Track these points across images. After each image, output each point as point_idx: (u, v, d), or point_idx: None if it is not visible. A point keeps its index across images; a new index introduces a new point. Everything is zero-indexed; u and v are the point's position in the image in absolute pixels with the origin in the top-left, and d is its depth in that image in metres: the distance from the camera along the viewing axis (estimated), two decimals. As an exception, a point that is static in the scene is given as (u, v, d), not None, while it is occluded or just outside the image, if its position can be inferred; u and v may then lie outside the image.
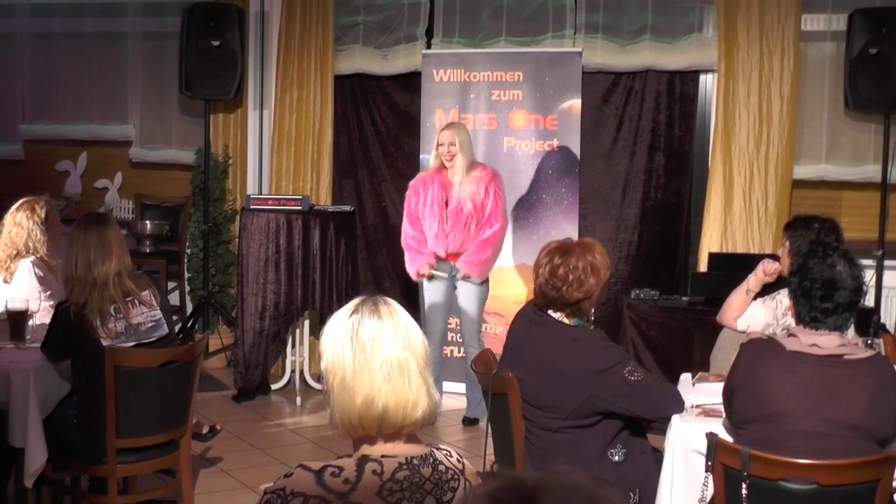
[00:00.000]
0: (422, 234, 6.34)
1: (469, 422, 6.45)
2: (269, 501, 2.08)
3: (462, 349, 6.68)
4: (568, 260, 3.65)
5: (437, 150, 6.34)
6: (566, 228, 6.79)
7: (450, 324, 6.85)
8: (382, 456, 2.15)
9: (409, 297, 6.59)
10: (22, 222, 5.00)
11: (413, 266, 6.38)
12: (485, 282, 6.40)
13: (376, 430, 2.16)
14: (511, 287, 7.02)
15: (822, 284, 3.26)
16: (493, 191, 6.28)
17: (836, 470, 3.01)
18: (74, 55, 8.72)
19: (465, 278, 6.27)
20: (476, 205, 6.24)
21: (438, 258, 6.34)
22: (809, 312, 3.28)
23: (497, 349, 4.24)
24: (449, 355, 7.01)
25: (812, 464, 3.00)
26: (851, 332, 3.87)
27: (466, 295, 6.35)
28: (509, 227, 6.89)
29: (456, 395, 6.64)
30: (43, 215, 5.06)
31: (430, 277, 6.34)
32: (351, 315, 2.20)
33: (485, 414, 6.44)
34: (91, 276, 4.12)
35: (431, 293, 6.39)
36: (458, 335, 6.74)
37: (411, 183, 6.48)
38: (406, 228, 6.43)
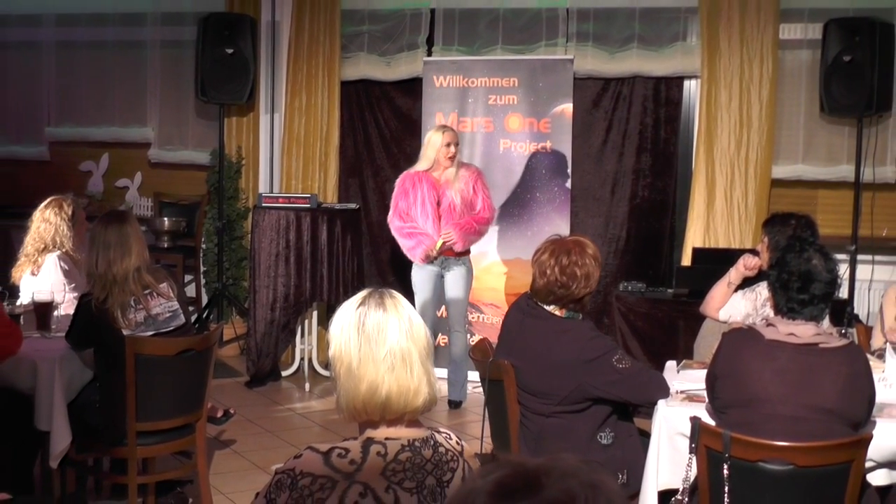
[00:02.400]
0: (416, 224, 6.27)
1: (452, 404, 6.45)
2: (279, 481, 2.07)
3: (446, 337, 6.67)
4: (574, 258, 3.63)
5: (436, 152, 6.22)
6: (559, 225, 6.79)
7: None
8: (386, 438, 2.15)
9: (412, 290, 6.58)
10: (50, 218, 5.00)
11: (419, 250, 6.24)
12: (471, 270, 6.40)
13: (379, 415, 2.16)
14: (506, 280, 7.02)
15: (799, 277, 3.26)
16: (481, 186, 6.31)
17: (813, 452, 3.01)
18: (97, 62, 8.72)
19: (447, 242, 6.18)
20: (466, 200, 6.23)
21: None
22: (787, 303, 3.28)
23: (493, 338, 4.24)
24: (439, 344, 7.00)
25: (789, 446, 3.00)
26: (826, 321, 3.87)
27: (454, 283, 6.33)
28: (505, 224, 6.91)
29: (440, 381, 6.61)
30: (70, 212, 5.05)
31: (435, 259, 6.27)
32: (358, 307, 2.19)
33: (466, 397, 6.49)
34: (111, 274, 4.12)
35: (422, 286, 6.34)
36: (444, 324, 6.71)
37: (399, 182, 6.37)
38: (396, 222, 6.32)
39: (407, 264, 6.51)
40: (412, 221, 6.26)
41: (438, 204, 6.24)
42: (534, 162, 6.98)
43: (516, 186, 7.00)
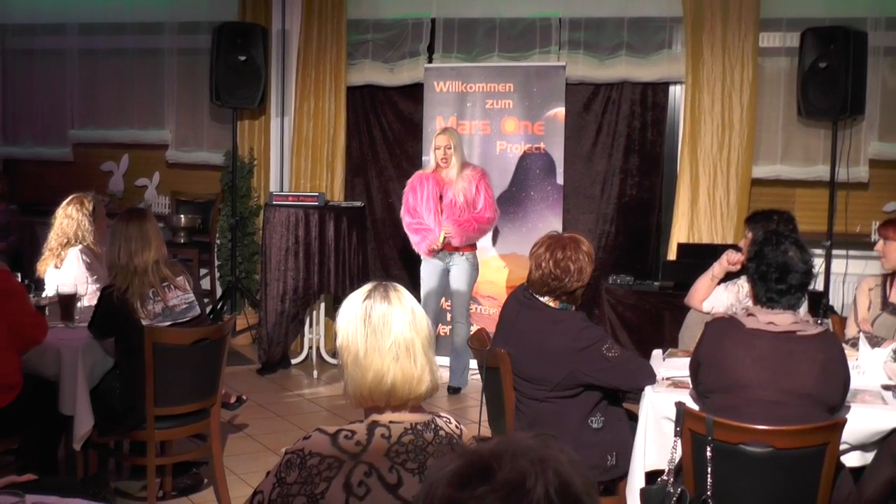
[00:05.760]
0: (422, 220, 6.31)
1: (452, 390, 6.45)
2: (289, 461, 2.07)
3: (449, 327, 6.67)
4: (568, 254, 3.63)
5: (433, 154, 6.32)
6: (552, 222, 6.79)
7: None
8: (390, 422, 2.15)
9: (414, 282, 6.58)
10: (72, 214, 4.99)
11: (423, 244, 6.28)
12: (475, 265, 6.40)
13: (384, 402, 2.16)
14: (503, 274, 7.02)
15: (776, 268, 3.25)
16: (484, 187, 6.30)
17: (790, 435, 3.00)
18: (117, 69, 8.71)
19: (447, 237, 6.18)
20: (468, 199, 6.24)
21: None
22: (766, 293, 3.27)
23: (491, 328, 4.23)
24: (439, 334, 6.99)
25: (769, 429, 2.99)
26: (804, 309, 3.87)
27: (458, 277, 6.33)
28: (501, 221, 6.90)
29: (442, 368, 6.61)
30: (91, 208, 5.04)
31: (438, 252, 6.28)
32: (364, 300, 2.18)
33: (466, 384, 6.49)
34: (132, 265, 4.11)
35: (428, 278, 6.36)
36: (448, 315, 6.70)
37: (409, 180, 6.45)
38: (406, 218, 6.39)
39: (409, 258, 6.52)
40: (419, 217, 6.31)
41: (441, 199, 6.25)
42: (528, 162, 6.98)
43: (512, 186, 7.00)
